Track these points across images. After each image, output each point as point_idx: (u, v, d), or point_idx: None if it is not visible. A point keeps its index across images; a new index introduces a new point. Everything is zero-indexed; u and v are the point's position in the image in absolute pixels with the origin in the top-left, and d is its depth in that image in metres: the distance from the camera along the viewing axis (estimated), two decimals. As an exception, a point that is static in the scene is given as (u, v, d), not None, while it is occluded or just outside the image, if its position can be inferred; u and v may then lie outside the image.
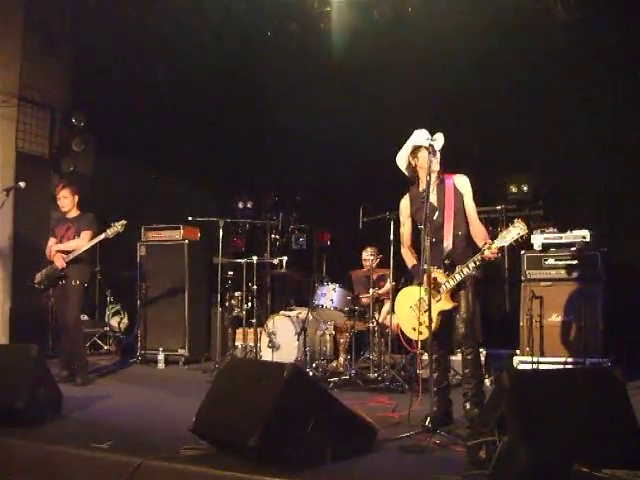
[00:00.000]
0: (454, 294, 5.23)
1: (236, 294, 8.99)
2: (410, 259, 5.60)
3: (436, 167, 5.31)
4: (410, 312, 5.31)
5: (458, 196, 5.34)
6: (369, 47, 9.10)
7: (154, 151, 10.70)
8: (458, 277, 5.12)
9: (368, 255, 8.32)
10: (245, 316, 8.70)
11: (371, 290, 7.69)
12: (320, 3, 8.78)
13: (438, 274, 5.19)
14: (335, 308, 7.90)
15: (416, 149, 5.46)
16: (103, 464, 4.32)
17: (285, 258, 8.98)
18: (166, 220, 9.71)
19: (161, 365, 8.99)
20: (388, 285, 7.92)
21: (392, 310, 7.63)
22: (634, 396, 3.92)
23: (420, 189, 5.45)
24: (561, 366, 7.13)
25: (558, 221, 8.14)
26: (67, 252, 7.42)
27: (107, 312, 10.46)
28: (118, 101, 9.96)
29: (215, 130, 11.01)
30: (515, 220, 5.02)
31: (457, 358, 7.21)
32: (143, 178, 11.05)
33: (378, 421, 5.00)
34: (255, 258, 8.57)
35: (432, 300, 4.98)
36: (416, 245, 5.47)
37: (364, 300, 8.07)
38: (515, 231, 4.94)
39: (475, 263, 5.06)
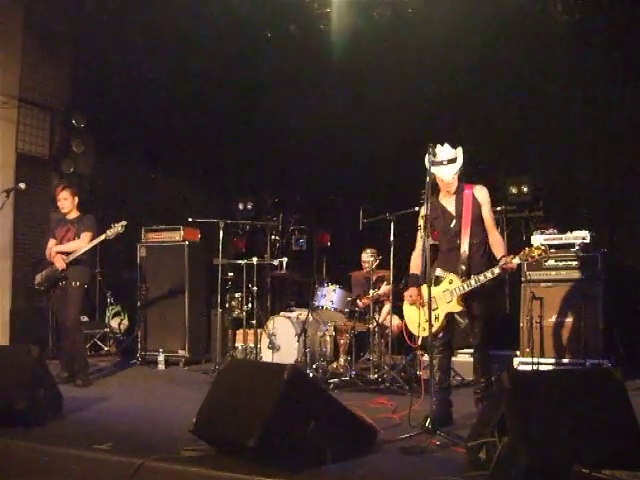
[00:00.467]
0: (465, 299, 5.36)
1: (236, 295, 8.99)
2: (416, 266, 5.61)
3: (447, 179, 5.45)
4: (417, 309, 5.44)
5: (476, 206, 5.47)
6: (369, 48, 9.11)
7: (154, 152, 10.71)
8: (473, 283, 5.26)
9: (368, 256, 8.31)
10: (245, 317, 8.71)
11: (371, 291, 7.69)
12: (320, 4, 8.78)
13: (454, 278, 5.36)
14: (335, 309, 7.91)
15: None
16: (103, 465, 4.32)
17: (285, 259, 8.98)
18: (166, 221, 9.72)
19: (161, 366, 8.98)
20: (385, 286, 7.91)
21: (392, 311, 7.67)
22: (634, 397, 3.92)
23: (439, 199, 5.60)
24: (561, 367, 7.14)
25: (558, 222, 8.15)
26: (67, 253, 7.41)
27: (107, 313, 10.45)
28: (118, 102, 9.97)
29: (215, 131, 11.02)
30: (542, 246, 5.27)
31: (458, 360, 7.25)
32: (143, 179, 11.06)
33: (378, 422, 5.00)
34: (255, 259, 8.58)
35: (443, 301, 5.23)
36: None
37: (362, 303, 8.06)
38: (537, 252, 5.15)
39: (492, 273, 5.22)
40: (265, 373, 4.45)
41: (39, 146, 9.74)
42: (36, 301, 8.95)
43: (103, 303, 10.53)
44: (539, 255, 5.17)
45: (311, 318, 8.04)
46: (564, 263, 7.46)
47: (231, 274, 9.11)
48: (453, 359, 7.08)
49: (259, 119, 10.68)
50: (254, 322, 8.57)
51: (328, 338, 8.13)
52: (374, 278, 7.74)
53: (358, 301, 8.09)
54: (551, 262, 7.48)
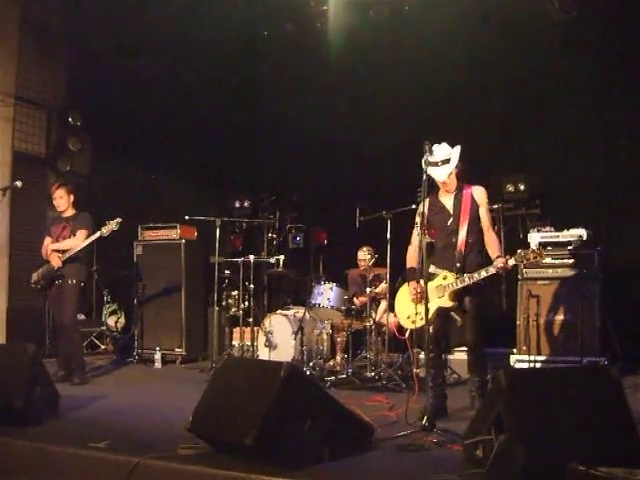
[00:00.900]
0: (457, 295, 5.47)
1: (233, 293, 8.98)
2: (412, 260, 5.78)
3: (442, 179, 5.57)
4: (409, 301, 5.62)
5: (474, 206, 5.59)
6: (366, 46, 9.10)
7: (151, 150, 10.69)
8: (467, 280, 5.38)
9: (364, 254, 8.31)
10: (242, 315, 8.71)
11: (368, 289, 7.69)
12: (317, 2, 8.79)
13: (448, 274, 5.47)
14: (332, 307, 7.92)
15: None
16: (100, 463, 4.32)
17: (282, 257, 8.99)
18: (163, 219, 9.72)
19: (158, 364, 8.98)
20: (382, 285, 7.91)
21: (389, 309, 7.67)
22: (630, 394, 3.93)
23: (439, 196, 5.72)
24: (558, 365, 7.14)
25: (555, 220, 8.16)
26: (63, 251, 7.42)
27: (104, 311, 10.45)
28: (114, 100, 9.95)
29: (212, 129, 11.00)
30: (537, 249, 5.36)
31: (454, 357, 7.26)
32: (140, 177, 11.04)
33: (375, 420, 5.00)
34: (252, 257, 8.57)
35: (434, 296, 5.33)
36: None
37: (359, 301, 8.07)
38: (532, 255, 5.24)
39: (487, 272, 5.32)
40: (262, 371, 4.44)
41: (35, 144, 9.73)
42: (33, 299, 8.92)
43: (100, 301, 10.53)
44: (534, 258, 5.26)
45: (308, 316, 8.05)
46: (561, 261, 7.46)
47: (228, 272, 9.11)
48: (450, 357, 7.15)
49: (256, 117, 10.67)
50: (251, 320, 8.55)
51: (325, 336, 8.14)
52: (370, 276, 7.75)
53: (355, 299, 8.10)
54: (548, 260, 7.48)
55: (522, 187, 9.00)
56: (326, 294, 7.94)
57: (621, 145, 8.59)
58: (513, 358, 7.49)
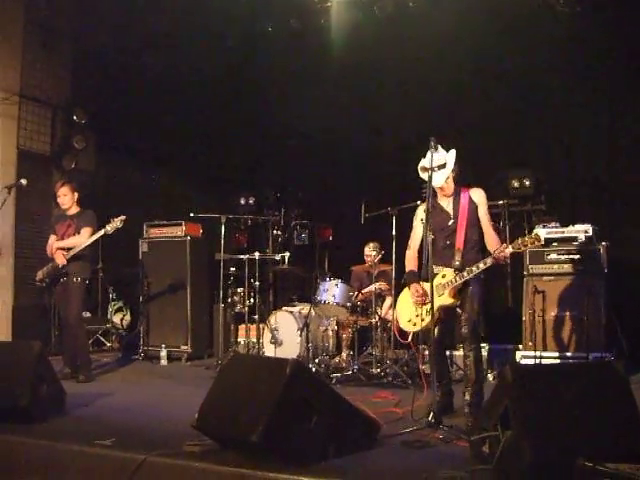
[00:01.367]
0: (458, 292, 5.44)
1: (238, 290, 8.98)
2: (411, 263, 5.81)
3: (439, 185, 5.53)
4: (410, 305, 5.58)
5: (473, 207, 5.60)
6: (369, 42, 9.09)
7: (155, 147, 10.70)
8: (466, 275, 5.35)
9: (370, 250, 8.29)
10: (247, 312, 8.70)
11: (374, 285, 7.69)
12: (321, -2, 8.78)
13: (448, 272, 5.44)
14: (337, 304, 7.91)
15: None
16: (106, 461, 4.33)
17: (287, 254, 8.97)
18: (168, 216, 9.73)
19: (164, 362, 9.00)
20: (379, 283, 7.87)
21: (394, 306, 7.67)
22: (637, 390, 3.91)
23: (437, 200, 5.70)
24: (563, 360, 7.13)
25: (560, 215, 8.15)
26: (68, 249, 7.43)
27: (109, 309, 10.48)
28: (119, 98, 9.96)
29: (217, 125, 11.00)
30: (534, 234, 5.25)
31: (459, 353, 7.24)
32: (145, 174, 11.06)
33: (381, 416, 5.00)
34: (257, 254, 8.55)
35: (435, 294, 5.18)
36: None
37: (359, 297, 8.06)
38: (529, 241, 5.16)
39: (485, 264, 5.28)
40: (267, 368, 4.44)
41: (40, 142, 9.74)
42: (38, 297, 8.94)
43: (105, 299, 10.55)
44: (532, 243, 5.19)
45: (313, 313, 8.04)
46: (566, 257, 7.45)
47: (233, 269, 9.11)
48: (455, 353, 7.14)
49: (260, 114, 10.67)
50: (256, 317, 8.55)
51: (330, 333, 8.13)
52: (375, 272, 7.74)
53: (357, 292, 8.09)
54: (553, 256, 7.47)
55: (527, 183, 8.96)
56: (331, 291, 7.93)
57: (627, 140, 8.56)
58: (519, 354, 7.48)
